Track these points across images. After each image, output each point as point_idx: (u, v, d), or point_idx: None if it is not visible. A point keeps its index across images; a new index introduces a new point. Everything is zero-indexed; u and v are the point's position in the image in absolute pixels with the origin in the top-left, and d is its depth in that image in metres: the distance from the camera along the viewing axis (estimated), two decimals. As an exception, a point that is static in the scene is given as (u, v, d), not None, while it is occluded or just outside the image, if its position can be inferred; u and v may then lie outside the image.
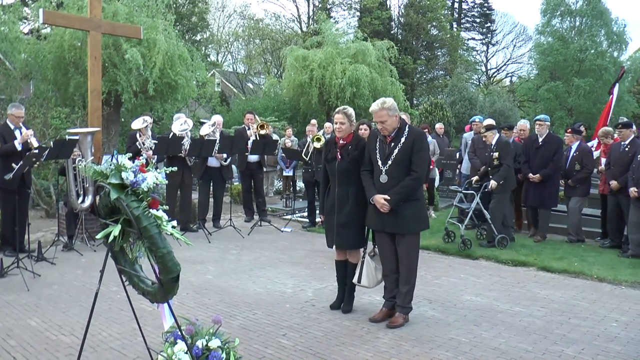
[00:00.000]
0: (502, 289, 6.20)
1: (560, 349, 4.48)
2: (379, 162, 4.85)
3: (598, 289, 6.32)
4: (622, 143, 8.18)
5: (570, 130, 9.12)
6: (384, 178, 4.82)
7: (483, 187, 8.29)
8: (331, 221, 5.18)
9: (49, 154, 6.69)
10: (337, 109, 5.15)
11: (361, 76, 18.66)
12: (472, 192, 8.43)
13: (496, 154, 8.24)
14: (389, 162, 4.81)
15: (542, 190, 8.61)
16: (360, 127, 6.93)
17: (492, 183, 8.07)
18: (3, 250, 7.30)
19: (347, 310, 5.28)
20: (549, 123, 8.41)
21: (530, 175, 8.66)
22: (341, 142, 5.15)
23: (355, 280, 5.21)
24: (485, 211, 8.23)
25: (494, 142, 8.40)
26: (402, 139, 4.80)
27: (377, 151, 4.89)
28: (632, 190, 7.53)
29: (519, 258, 7.49)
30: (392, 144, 4.82)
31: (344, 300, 5.36)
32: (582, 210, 8.84)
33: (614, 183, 8.06)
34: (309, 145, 9.97)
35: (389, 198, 4.74)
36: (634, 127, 8.38)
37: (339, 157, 5.12)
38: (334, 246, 5.27)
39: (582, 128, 9.31)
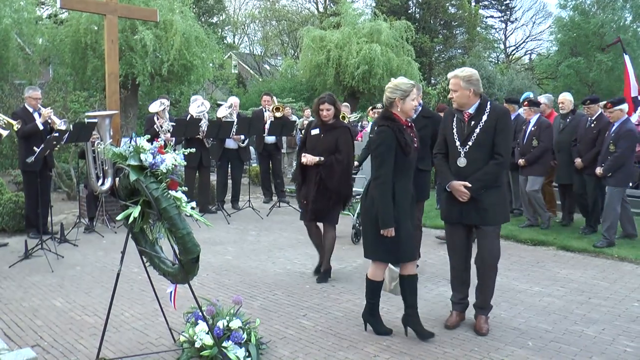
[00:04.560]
0: (521, 268, 6.17)
1: (580, 329, 4.45)
2: (457, 143, 4.26)
3: (619, 268, 6.26)
4: (589, 118, 7.69)
5: (526, 103, 8.19)
6: (462, 162, 4.24)
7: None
8: (409, 226, 4.20)
9: (68, 137, 6.78)
10: (408, 83, 4.21)
11: (375, 55, 18.54)
12: (363, 176, 7.60)
13: None
14: (469, 143, 4.22)
15: None
16: (321, 107, 5.53)
17: None
18: (27, 232, 7.42)
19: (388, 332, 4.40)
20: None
21: None
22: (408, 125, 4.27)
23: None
24: None
25: None
26: (484, 117, 4.20)
27: (454, 130, 4.31)
28: (598, 169, 7.19)
29: (538, 237, 7.44)
30: (472, 122, 4.23)
31: (377, 323, 4.40)
32: (539, 192, 8.00)
33: (578, 161, 7.63)
34: None
35: (469, 185, 4.18)
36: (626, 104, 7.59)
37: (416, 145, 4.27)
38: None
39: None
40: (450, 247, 4.55)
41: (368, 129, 7.59)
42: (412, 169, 4.23)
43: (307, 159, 5.44)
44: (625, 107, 7.20)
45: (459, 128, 4.29)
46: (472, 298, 4.51)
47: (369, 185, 4.27)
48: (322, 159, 5.40)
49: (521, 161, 7.96)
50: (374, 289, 4.34)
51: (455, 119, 4.34)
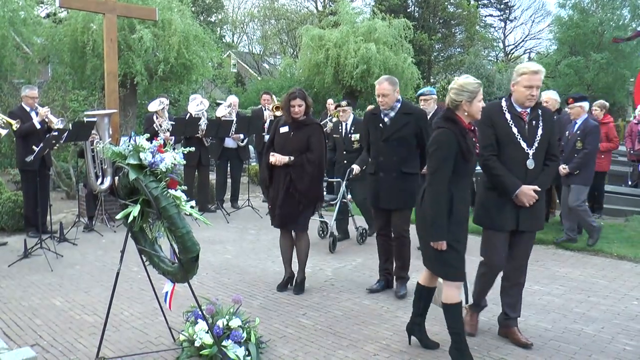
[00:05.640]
0: (521, 267, 6.16)
1: (579, 327, 4.46)
2: (523, 144, 3.94)
3: (618, 266, 6.27)
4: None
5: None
6: (531, 164, 3.95)
7: (347, 173, 6.85)
8: (465, 239, 3.84)
9: (67, 136, 6.76)
10: (475, 83, 3.71)
11: (372, 54, 18.57)
12: (338, 179, 7.11)
13: (356, 136, 7.09)
14: (535, 144, 3.95)
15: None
16: (292, 102, 5.09)
17: (356, 168, 6.70)
18: (26, 232, 7.41)
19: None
20: (435, 96, 6.73)
21: None
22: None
23: (469, 300, 4.25)
24: (349, 202, 7.22)
25: (349, 122, 7.24)
26: (541, 118, 4.00)
27: (513, 130, 3.95)
28: (561, 168, 6.91)
29: (537, 236, 7.34)
30: (534, 122, 3.98)
31: (426, 339, 4.11)
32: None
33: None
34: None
35: (539, 189, 3.94)
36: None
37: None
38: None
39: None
40: (497, 258, 4.11)
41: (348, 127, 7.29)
42: (471, 177, 3.90)
43: (276, 158, 5.07)
44: (586, 105, 7.07)
45: (520, 127, 3.96)
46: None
47: (424, 193, 3.81)
48: (292, 158, 5.04)
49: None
50: (454, 313, 3.74)
51: (510, 117, 3.98)
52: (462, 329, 3.77)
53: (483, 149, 3.97)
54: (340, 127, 7.32)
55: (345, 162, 7.09)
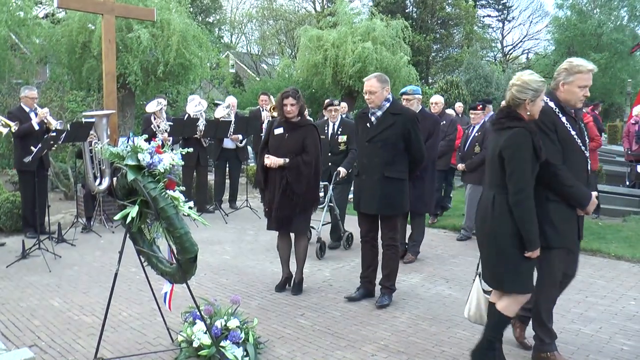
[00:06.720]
0: (519, 267, 6.17)
1: (577, 327, 4.47)
2: (583, 148, 3.60)
3: (616, 266, 6.28)
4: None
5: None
6: (589, 168, 3.68)
7: (334, 176, 6.64)
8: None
9: (66, 137, 6.76)
10: (539, 81, 3.41)
11: (368, 53, 18.59)
12: (325, 182, 6.75)
13: (343, 138, 6.80)
14: (587, 146, 3.66)
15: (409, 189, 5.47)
16: (285, 101, 5.04)
17: (342, 171, 6.54)
18: (25, 232, 7.41)
19: None
20: (419, 96, 6.26)
21: None
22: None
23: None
24: (335, 205, 6.89)
25: (337, 123, 6.90)
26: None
27: (572, 133, 3.56)
28: (459, 166, 7.47)
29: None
30: (580, 123, 3.67)
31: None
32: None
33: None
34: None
35: (597, 195, 3.66)
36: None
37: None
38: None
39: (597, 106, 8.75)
40: (556, 278, 3.72)
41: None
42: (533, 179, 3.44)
43: (271, 160, 4.98)
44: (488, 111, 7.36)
45: (577, 131, 3.59)
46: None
47: (493, 202, 3.44)
48: (287, 160, 4.96)
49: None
50: (501, 324, 3.56)
51: (565, 118, 3.58)
52: (500, 339, 3.59)
53: (551, 158, 3.48)
54: (326, 128, 6.91)
55: (330, 164, 6.78)
